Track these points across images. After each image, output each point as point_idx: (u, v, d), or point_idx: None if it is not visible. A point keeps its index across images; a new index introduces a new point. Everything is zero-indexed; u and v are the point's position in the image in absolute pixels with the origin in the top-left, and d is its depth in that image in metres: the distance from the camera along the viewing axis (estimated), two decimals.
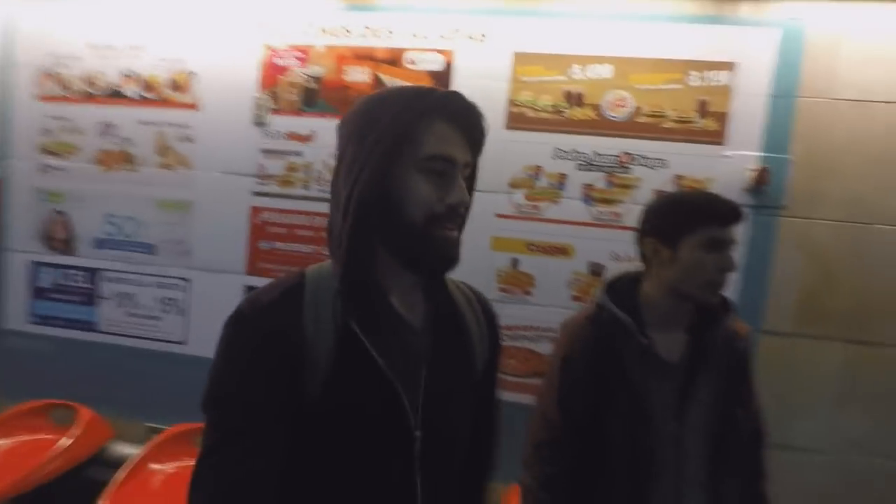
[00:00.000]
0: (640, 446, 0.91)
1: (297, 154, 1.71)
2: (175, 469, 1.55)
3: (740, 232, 0.97)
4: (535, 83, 1.59)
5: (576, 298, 1.59)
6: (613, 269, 1.12)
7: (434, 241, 0.59)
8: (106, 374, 1.83)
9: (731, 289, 1.51)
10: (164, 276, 1.80)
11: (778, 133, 1.47)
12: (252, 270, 1.75)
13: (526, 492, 0.96)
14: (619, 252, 1.56)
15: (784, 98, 1.46)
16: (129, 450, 1.71)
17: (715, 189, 1.50)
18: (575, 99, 1.57)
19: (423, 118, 0.58)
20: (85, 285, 1.84)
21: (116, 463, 1.68)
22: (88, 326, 1.85)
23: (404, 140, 0.58)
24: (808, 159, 1.46)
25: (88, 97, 1.81)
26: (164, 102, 1.77)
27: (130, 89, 1.79)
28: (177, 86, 1.76)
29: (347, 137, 0.61)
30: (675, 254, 0.92)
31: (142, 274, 1.81)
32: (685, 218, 0.92)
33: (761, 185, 1.46)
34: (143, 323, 1.82)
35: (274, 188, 1.72)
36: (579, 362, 0.94)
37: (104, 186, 1.81)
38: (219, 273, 1.76)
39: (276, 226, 1.73)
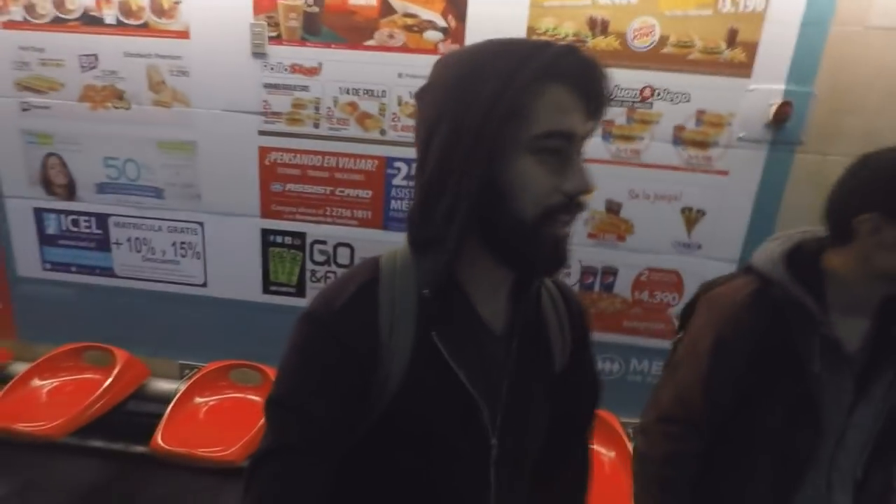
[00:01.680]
0: (802, 442, 0.81)
1: (304, 89, 1.61)
2: (217, 401, 1.67)
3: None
4: (556, 8, 1.48)
5: (591, 236, 1.64)
6: (786, 229, 0.87)
7: (545, 240, 0.50)
8: (129, 318, 1.87)
9: (741, 224, 1.58)
10: (175, 221, 1.77)
11: (805, 65, 1.44)
12: (267, 213, 1.73)
13: (643, 461, 0.89)
14: (637, 190, 1.59)
15: (816, 26, 1.41)
16: (166, 385, 1.82)
17: (735, 124, 1.50)
18: (599, 26, 1.48)
19: (535, 84, 0.46)
20: (95, 231, 1.81)
21: (156, 398, 1.80)
22: (105, 272, 1.85)
23: (514, 116, 0.47)
24: (832, 93, 1.45)
25: (60, 23, 1.63)
26: (149, 30, 1.60)
27: (107, 13, 1.61)
28: (161, 11, 1.59)
29: (438, 110, 0.50)
30: None
31: (153, 219, 1.78)
32: None
33: (782, 120, 1.46)
34: (161, 267, 1.83)
35: (282, 127, 1.65)
36: (738, 349, 0.81)
37: (96, 127, 1.71)
38: (232, 216, 1.75)
39: (287, 166, 1.69)
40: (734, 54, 1.46)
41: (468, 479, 0.56)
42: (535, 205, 0.49)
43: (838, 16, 1.39)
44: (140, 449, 1.89)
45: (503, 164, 0.48)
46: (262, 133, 1.66)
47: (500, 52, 0.48)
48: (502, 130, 0.47)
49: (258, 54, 1.59)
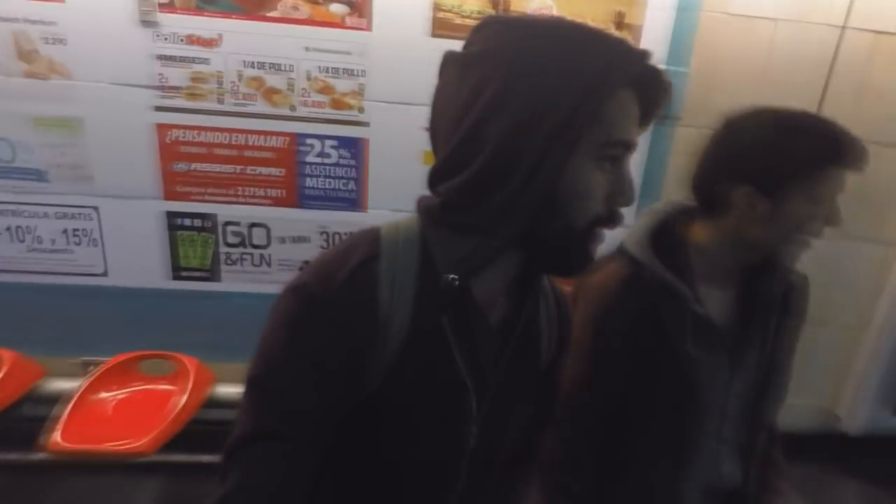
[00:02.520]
0: (688, 422, 0.80)
1: (203, 61, 1.53)
2: (126, 394, 1.58)
3: None
4: None
5: None
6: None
7: (584, 248, 0.49)
8: (16, 316, 1.70)
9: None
10: (65, 206, 1.62)
11: (681, 47, 1.60)
12: (170, 195, 1.63)
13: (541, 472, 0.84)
14: None
15: (689, 11, 1.57)
16: (66, 384, 1.68)
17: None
18: (501, 5, 1.55)
19: (614, 89, 0.44)
20: None
21: (54, 399, 1.66)
22: None
23: (594, 120, 0.44)
24: (703, 73, 1.63)
25: None
26: None
27: None
28: None
29: (499, 91, 0.45)
30: (776, 208, 0.71)
31: (36, 204, 1.61)
32: (798, 161, 0.69)
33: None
34: (51, 258, 1.67)
35: (182, 102, 1.55)
36: (617, 338, 0.78)
37: None
38: (131, 199, 1.63)
39: (191, 144, 1.60)
40: (622, 36, 1.59)
41: (438, 468, 0.55)
42: (588, 212, 0.47)
43: (706, 2, 1.57)
44: (40, 456, 1.74)
45: (565, 172, 0.45)
46: (158, 108, 1.56)
47: (583, 49, 0.45)
48: (581, 135, 0.44)
49: (147, 22, 1.48)
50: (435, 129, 0.52)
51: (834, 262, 1.91)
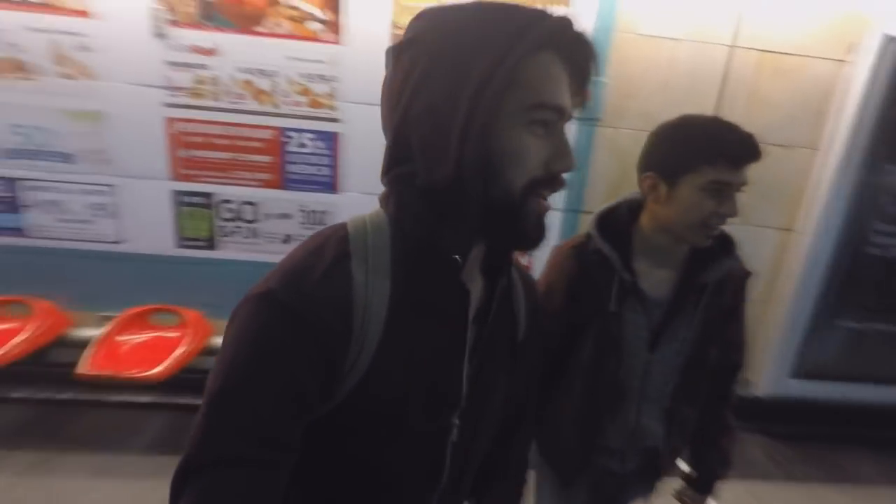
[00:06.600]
0: (607, 371, 0.93)
1: (203, 67, 1.86)
2: (140, 340, 1.93)
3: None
4: (414, 7, 1.85)
5: None
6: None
7: (529, 213, 0.49)
8: (46, 275, 2.04)
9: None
10: (87, 184, 1.96)
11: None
12: (178, 177, 1.98)
13: None
14: None
15: (604, 32, 1.90)
16: (88, 332, 2.03)
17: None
18: None
19: (532, 54, 0.45)
20: (4, 194, 1.95)
21: (77, 345, 2.00)
22: (17, 232, 2.00)
23: (511, 85, 0.45)
24: (618, 82, 1.97)
25: None
26: (49, 8, 1.76)
27: None
28: None
29: (423, 71, 0.46)
30: (672, 192, 0.85)
31: (64, 182, 1.95)
32: (689, 154, 0.82)
33: (584, 101, 1.96)
34: (76, 227, 2.01)
35: (186, 100, 1.89)
36: (560, 292, 0.94)
37: (1, 96, 1.84)
38: (143, 179, 1.97)
39: (194, 135, 1.94)
40: None
41: (421, 462, 0.53)
42: (523, 174, 0.47)
43: (618, 25, 1.90)
44: (65, 395, 2.09)
45: (494, 135, 0.46)
46: (168, 105, 1.89)
47: (497, 18, 0.45)
48: (500, 98, 0.45)
49: (160, 35, 1.81)
50: (383, 120, 0.52)
51: (742, 245, 2.25)
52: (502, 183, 0.47)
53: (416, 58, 0.47)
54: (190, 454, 0.43)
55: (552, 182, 0.49)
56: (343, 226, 0.51)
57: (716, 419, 1.04)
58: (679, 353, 0.93)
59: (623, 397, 0.95)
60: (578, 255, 0.94)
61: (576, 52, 0.48)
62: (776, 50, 1.98)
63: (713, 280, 0.91)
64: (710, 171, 0.81)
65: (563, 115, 0.48)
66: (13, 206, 1.97)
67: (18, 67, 1.82)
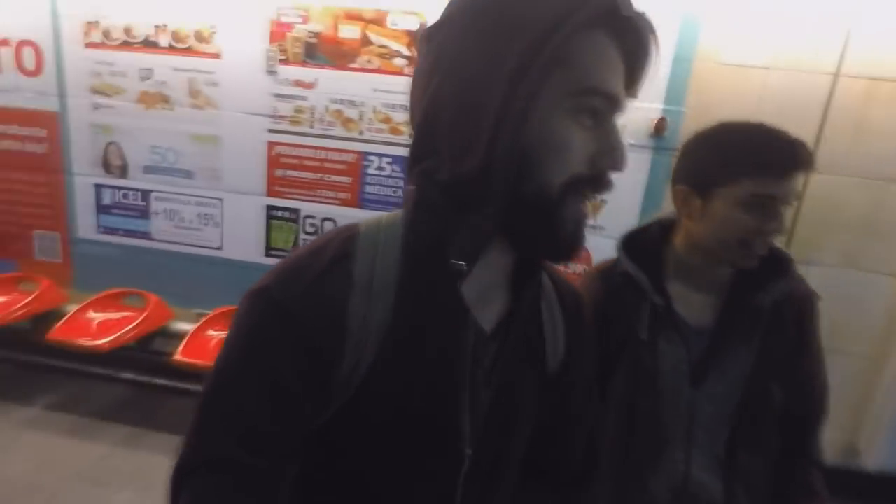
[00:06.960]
0: (643, 409, 0.80)
1: (303, 98, 2.13)
2: (222, 336, 2.14)
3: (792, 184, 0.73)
4: None
5: None
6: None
7: (566, 216, 0.43)
8: (160, 273, 2.38)
9: (635, 209, 2.02)
10: (201, 196, 2.29)
11: (677, 90, 1.89)
12: (271, 193, 2.23)
13: None
14: None
15: (684, 62, 1.87)
16: (184, 326, 2.30)
17: (625, 133, 1.95)
18: None
19: (585, 31, 0.40)
20: (139, 203, 2.34)
21: (175, 335, 2.28)
22: (144, 235, 2.37)
23: (559, 63, 0.40)
24: (697, 111, 1.90)
25: (127, 45, 2.18)
26: (191, 52, 2.15)
27: (162, 39, 2.16)
28: (201, 38, 2.13)
29: (457, 49, 0.42)
30: (706, 206, 0.75)
31: (183, 194, 2.30)
32: (725, 163, 0.73)
33: (661, 131, 1.91)
34: (187, 233, 2.33)
35: (286, 126, 2.16)
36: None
37: (147, 122, 2.24)
38: (245, 195, 2.25)
39: (288, 157, 2.19)
40: None
41: (428, 493, 0.48)
42: (563, 170, 0.42)
43: (699, 54, 1.85)
44: (160, 381, 2.37)
45: (534, 121, 0.40)
46: (270, 131, 2.18)
47: None
48: (544, 79, 0.40)
49: (271, 72, 2.12)
50: (410, 112, 0.47)
51: (846, 291, 1.98)
52: (538, 178, 0.42)
53: (449, 37, 0.43)
54: (183, 454, 0.43)
55: (597, 181, 0.43)
56: (354, 225, 0.49)
57: (796, 482, 0.84)
58: (732, 392, 0.79)
59: (665, 442, 0.80)
60: (604, 278, 0.85)
61: (633, 36, 0.42)
62: (888, 77, 1.79)
63: (767, 305, 0.79)
64: (749, 184, 0.72)
65: (615, 104, 0.43)
66: (145, 213, 2.35)
67: (164, 100, 2.22)
